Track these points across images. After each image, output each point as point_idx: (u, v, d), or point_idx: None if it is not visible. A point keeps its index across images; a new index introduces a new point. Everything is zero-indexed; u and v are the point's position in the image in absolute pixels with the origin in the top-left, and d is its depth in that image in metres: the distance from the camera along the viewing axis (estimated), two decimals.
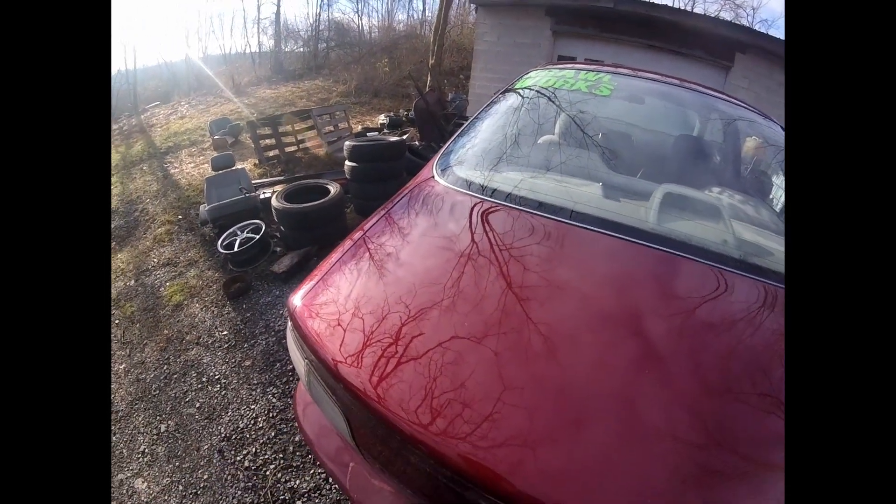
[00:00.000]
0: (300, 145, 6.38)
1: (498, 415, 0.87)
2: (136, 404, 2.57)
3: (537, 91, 2.19)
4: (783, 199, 1.87)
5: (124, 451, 2.35)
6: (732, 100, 2.33)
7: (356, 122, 8.52)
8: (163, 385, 2.62)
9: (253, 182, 4.99)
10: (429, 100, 6.23)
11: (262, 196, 4.49)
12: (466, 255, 1.28)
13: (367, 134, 7.03)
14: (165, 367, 2.73)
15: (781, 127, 2.23)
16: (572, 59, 6.81)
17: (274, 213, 3.64)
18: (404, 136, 6.40)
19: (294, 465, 2.04)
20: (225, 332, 2.88)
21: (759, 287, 1.25)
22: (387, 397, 0.95)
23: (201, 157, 6.98)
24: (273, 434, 2.19)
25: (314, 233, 3.62)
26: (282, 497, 1.93)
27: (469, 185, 1.60)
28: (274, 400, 2.35)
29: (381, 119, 8.48)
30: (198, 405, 2.42)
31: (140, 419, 2.47)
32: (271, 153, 6.12)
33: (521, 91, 2.23)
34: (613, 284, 1.23)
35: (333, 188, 3.78)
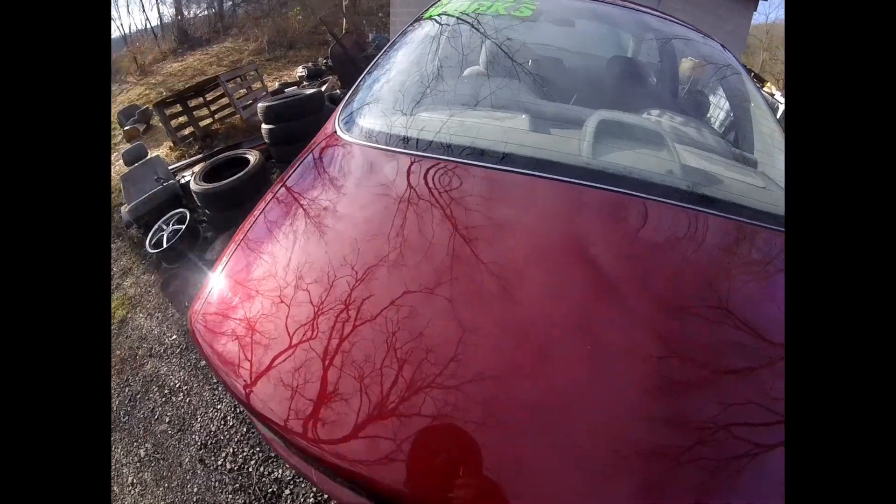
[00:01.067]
0: (215, 117, 5.94)
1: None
2: (112, 436, 2.51)
3: (452, 18, 1.95)
4: (723, 119, 1.83)
5: (115, 488, 2.31)
6: (667, 17, 2.16)
7: (273, 80, 7.94)
8: (130, 409, 2.54)
9: (171, 167, 4.69)
10: (345, 44, 5.82)
11: (182, 180, 4.22)
12: (382, 234, 1.07)
13: (286, 90, 6.57)
14: (127, 389, 2.64)
15: (721, 45, 2.12)
16: None
17: (195, 197, 3.42)
18: (324, 86, 6.01)
19: (272, 455, 2.04)
20: (174, 337, 2.78)
21: (709, 220, 1.17)
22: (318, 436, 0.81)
23: (114, 154, 6.52)
24: (245, 430, 2.16)
25: (241, 209, 3.42)
26: (270, 490, 1.94)
27: (379, 137, 1.37)
28: None
29: (300, 72, 7.92)
30: (167, 419, 2.37)
31: (119, 450, 2.42)
32: (186, 131, 5.70)
33: (434, 19, 2.00)
34: (549, 253, 1.06)
35: (252, 157, 3.55)
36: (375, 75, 1.78)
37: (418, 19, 2.07)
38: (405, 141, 1.33)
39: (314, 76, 7.29)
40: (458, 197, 1.17)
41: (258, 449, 2.07)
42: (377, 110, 1.56)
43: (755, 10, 8.27)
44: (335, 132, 1.48)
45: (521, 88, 1.71)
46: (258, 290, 1.03)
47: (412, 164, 1.26)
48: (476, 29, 1.89)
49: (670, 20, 2.16)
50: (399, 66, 1.81)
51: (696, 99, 2.04)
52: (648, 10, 2.17)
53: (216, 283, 1.09)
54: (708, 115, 1.97)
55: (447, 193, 1.18)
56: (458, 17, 1.94)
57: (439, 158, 1.26)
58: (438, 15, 2.01)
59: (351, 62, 5.83)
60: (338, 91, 5.70)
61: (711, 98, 2.05)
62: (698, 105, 2.00)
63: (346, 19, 9.18)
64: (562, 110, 1.60)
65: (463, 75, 1.78)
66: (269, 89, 6.54)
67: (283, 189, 1.32)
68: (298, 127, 3.83)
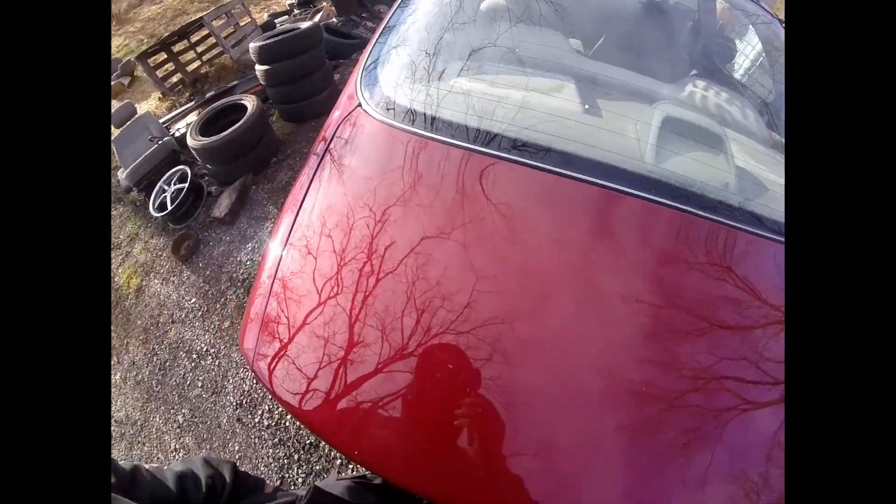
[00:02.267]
0: (203, 59, 5.71)
1: None
2: (148, 406, 2.61)
3: None
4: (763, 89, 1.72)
5: (159, 455, 2.43)
6: None
7: (261, 10, 7.54)
8: (161, 378, 2.62)
9: (163, 119, 4.58)
10: None
11: (178, 133, 4.12)
12: (426, 236, 1.09)
13: (276, 21, 6.24)
14: (155, 359, 2.71)
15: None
16: None
17: (194, 154, 3.33)
18: (318, 16, 5.66)
19: None
20: (193, 300, 2.80)
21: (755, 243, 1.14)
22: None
23: None
24: None
25: (243, 160, 3.36)
26: (308, 441, 2.01)
27: (405, 114, 1.30)
28: None
29: None
30: (200, 384, 2.43)
31: (158, 419, 2.52)
32: (174, 79, 5.51)
33: None
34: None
35: (250, 103, 3.40)
36: (397, 24, 1.64)
37: None
38: (434, 123, 1.27)
39: (305, 3, 6.90)
40: (508, 202, 1.14)
41: None
42: (400, 73, 1.44)
43: None
44: (359, 105, 1.39)
45: (561, 43, 1.63)
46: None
47: (444, 155, 1.21)
48: None
49: None
50: (423, 11, 1.65)
51: (733, 58, 1.93)
52: None
53: (269, 305, 1.11)
54: (746, 80, 1.85)
55: (493, 194, 1.14)
56: None
57: (478, 151, 1.20)
58: None
59: None
60: (334, 20, 5.38)
61: (746, 57, 1.95)
62: (736, 67, 1.91)
63: None
64: (607, 77, 1.52)
65: (494, 20, 1.64)
66: (258, 22, 6.22)
67: (312, 184, 1.27)
68: (296, 65, 3.64)
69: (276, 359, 1.04)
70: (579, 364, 0.95)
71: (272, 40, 3.58)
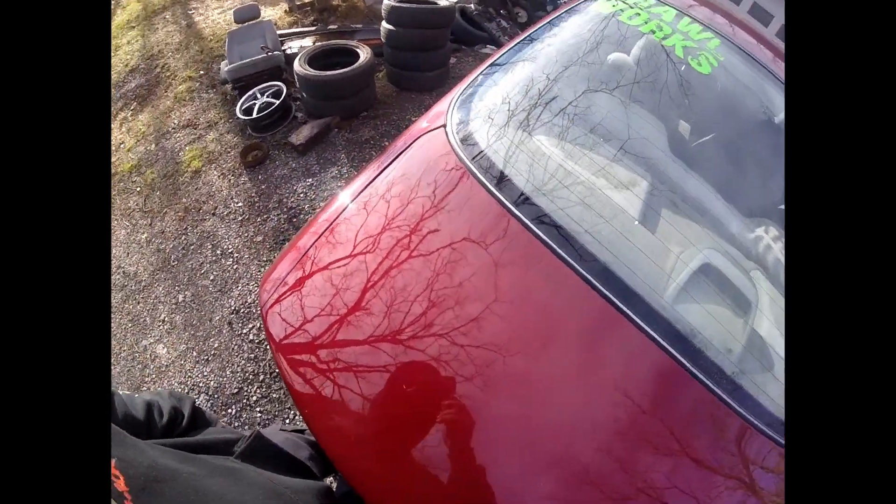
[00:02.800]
0: None
1: None
2: (157, 274, 2.84)
3: (613, 28, 1.77)
4: None
5: (147, 318, 2.66)
6: None
7: None
8: (181, 256, 2.84)
9: (280, 33, 4.82)
10: None
11: (288, 51, 4.35)
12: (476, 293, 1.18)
13: None
14: (183, 238, 2.94)
15: None
16: None
17: (296, 79, 3.54)
18: None
19: None
20: (240, 204, 3.01)
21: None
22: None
23: (230, 2, 6.77)
24: None
25: (338, 102, 3.55)
26: (277, 371, 2.17)
27: (478, 157, 1.38)
28: None
29: None
30: (211, 278, 2.63)
31: (160, 289, 2.74)
32: None
33: (590, 20, 1.81)
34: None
35: (363, 53, 3.58)
36: (509, 62, 1.68)
37: (574, 10, 1.88)
38: (497, 176, 1.34)
39: None
40: (520, 271, 1.21)
41: None
42: (491, 112, 1.50)
43: None
44: (443, 126, 1.47)
45: (656, 128, 1.64)
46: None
47: (488, 207, 1.29)
48: (636, 62, 1.76)
49: None
50: (538, 64, 1.67)
51: None
52: None
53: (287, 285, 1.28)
54: None
55: (513, 259, 1.22)
56: (625, 28, 1.78)
57: (519, 219, 1.25)
58: (600, 16, 1.82)
59: None
60: (471, 6, 5.55)
61: None
62: None
63: None
64: (683, 185, 1.53)
65: (613, 109, 1.63)
66: None
67: (380, 175, 1.42)
68: (420, 37, 3.81)
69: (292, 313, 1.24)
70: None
71: (407, 5, 3.75)
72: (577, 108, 1.56)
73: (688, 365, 1.09)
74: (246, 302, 2.46)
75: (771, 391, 1.12)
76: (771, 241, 1.50)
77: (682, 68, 1.76)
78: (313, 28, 5.01)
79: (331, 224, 1.35)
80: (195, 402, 0.97)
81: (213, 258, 2.74)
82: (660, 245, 1.31)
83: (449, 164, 1.38)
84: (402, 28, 3.78)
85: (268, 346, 2.26)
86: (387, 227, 1.29)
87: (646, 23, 1.79)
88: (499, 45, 5.40)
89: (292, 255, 1.32)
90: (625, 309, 1.13)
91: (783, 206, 1.60)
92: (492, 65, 1.70)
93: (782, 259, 1.44)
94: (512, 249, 1.22)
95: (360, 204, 1.37)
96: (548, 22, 1.85)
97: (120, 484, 0.52)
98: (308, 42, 4.61)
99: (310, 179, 3.12)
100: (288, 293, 1.26)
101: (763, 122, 1.88)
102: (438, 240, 1.25)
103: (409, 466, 1.04)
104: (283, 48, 4.37)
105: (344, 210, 1.37)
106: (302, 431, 1.25)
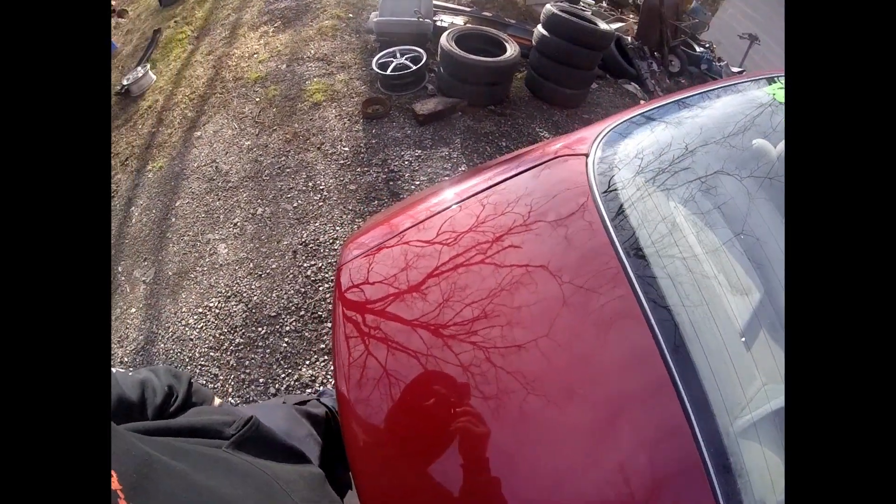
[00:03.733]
0: None
1: None
2: (246, 182, 2.92)
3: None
4: None
5: (221, 217, 2.75)
6: None
7: None
8: (274, 174, 2.92)
9: (436, 3, 4.88)
10: (665, 1, 5.42)
11: (438, 23, 4.39)
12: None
13: (580, 2, 6.39)
14: (283, 159, 3.02)
15: None
16: None
17: (438, 52, 3.55)
18: (616, 25, 5.72)
19: None
20: (346, 149, 3.06)
21: None
22: None
23: None
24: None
25: (472, 87, 3.56)
26: (319, 314, 2.21)
27: (616, 211, 1.30)
28: (357, 228, 2.50)
29: None
30: (295, 205, 2.68)
31: (244, 196, 2.82)
32: None
33: (758, 102, 1.67)
34: None
35: (511, 48, 3.57)
36: (679, 112, 1.62)
37: (746, 85, 1.76)
38: (623, 230, 1.27)
39: (614, 3, 6.99)
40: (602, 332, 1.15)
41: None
42: (640, 161, 1.44)
43: None
44: (586, 154, 1.43)
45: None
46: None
47: (603, 253, 1.23)
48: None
49: None
50: (695, 130, 1.56)
51: None
52: None
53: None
54: None
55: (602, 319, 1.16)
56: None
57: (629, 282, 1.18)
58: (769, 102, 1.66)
59: (659, 20, 5.49)
60: (629, 39, 5.43)
61: None
62: None
63: None
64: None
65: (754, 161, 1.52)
66: None
67: (513, 177, 1.41)
68: (572, 51, 3.77)
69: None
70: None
71: (567, 17, 3.71)
72: (725, 191, 1.43)
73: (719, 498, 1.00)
74: (317, 239, 2.50)
75: None
76: None
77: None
78: (468, 9, 5.03)
79: (431, 216, 1.36)
80: (191, 379, 0.97)
81: (304, 188, 2.79)
82: (750, 368, 1.18)
83: (578, 192, 1.34)
84: (556, 37, 3.75)
85: (320, 289, 2.29)
86: (497, 238, 1.29)
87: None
88: (643, 87, 5.26)
89: (384, 230, 1.36)
90: (690, 413, 1.04)
91: None
92: (647, 112, 1.63)
93: None
94: (605, 294, 1.17)
95: (473, 205, 1.37)
96: (714, 89, 1.75)
97: (114, 482, 0.51)
98: (459, 21, 4.63)
99: (419, 151, 3.13)
100: (366, 259, 1.31)
101: None
102: (548, 259, 1.23)
103: (416, 464, 1.05)
104: (434, 19, 4.41)
105: (450, 207, 1.38)
106: (305, 402, 1.27)
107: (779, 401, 1.14)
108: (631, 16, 6.29)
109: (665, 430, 1.05)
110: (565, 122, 3.99)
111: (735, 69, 7.21)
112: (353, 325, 1.22)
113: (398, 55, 3.74)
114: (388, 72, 3.56)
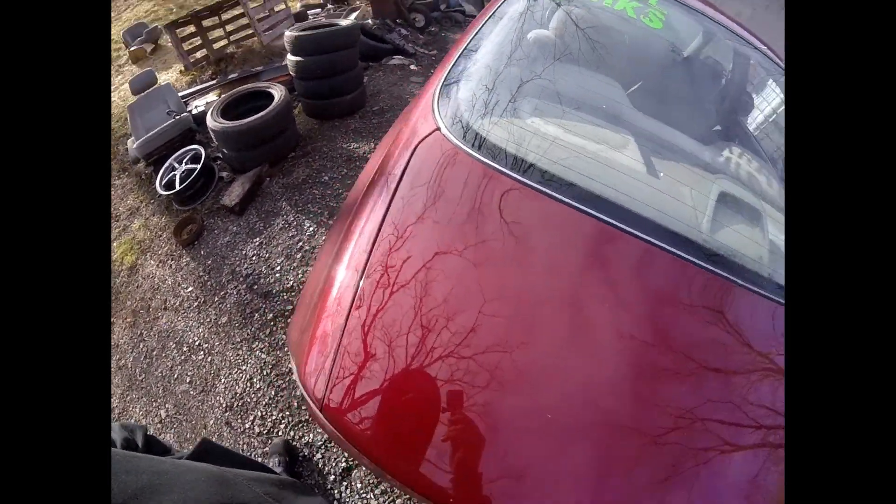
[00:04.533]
0: (230, 38, 5.69)
1: None
2: (128, 395, 2.52)
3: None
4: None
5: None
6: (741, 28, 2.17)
7: None
8: (146, 366, 2.53)
9: (182, 94, 4.52)
10: None
11: (195, 110, 4.06)
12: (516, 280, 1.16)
13: (308, 13, 6.27)
14: (142, 345, 2.62)
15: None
16: None
17: (212, 134, 3.27)
18: (353, 14, 5.69)
19: (303, 419, 2.04)
20: (190, 289, 2.73)
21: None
22: None
23: (120, 77, 6.36)
24: (273, 392, 2.13)
25: (262, 149, 3.31)
26: (302, 453, 1.95)
27: (488, 148, 1.33)
28: (264, 356, 2.26)
29: None
30: (188, 379, 2.34)
31: (138, 410, 2.42)
32: (199, 54, 5.48)
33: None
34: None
35: (277, 93, 3.36)
36: (473, 54, 1.66)
37: None
38: (516, 163, 1.31)
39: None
40: (573, 245, 1.22)
41: (287, 413, 2.07)
42: (476, 102, 1.46)
43: None
44: (437, 129, 1.39)
45: (614, 90, 1.74)
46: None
47: (520, 194, 1.26)
48: (596, 31, 1.87)
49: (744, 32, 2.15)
50: (501, 48, 1.67)
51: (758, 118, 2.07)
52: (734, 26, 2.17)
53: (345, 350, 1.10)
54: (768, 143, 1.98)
55: (565, 238, 1.22)
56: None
57: (554, 197, 1.25)
58: None
59: None
60: (369, 21, 5.40)
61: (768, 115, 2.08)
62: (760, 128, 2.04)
63: None
64: (658, 134, 1.63)
65: (581, 75, 1.74)
66: (292, 11, 6.23)
67: (391, 207, 1.26)
68: (330, 62, 3.65)
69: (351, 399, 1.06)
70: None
71: (311, 32, 3.58)
72: (558, 84, 1.60)
73: (741, 282, 1.22)
74: (236, 394, 2.18)
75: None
76: (737, 157, 1.70)
77: (640, 28, 1.92)
78: (214, 81, 4.72)
79: (360, 288, 1.16)
80: (147, 430, 0.96)
81: (182, 357, 2.43)
82: (673, 187, 1.41)
83: (460, 163, 1.31)
84: (309, 57, 3.60)
85: (280, 433, 2.04)
86: (437, 257, 1.18)
87: None
88: (405, 54, 5.29)
89: (326, 325, 1.13)
90: (677, 251, 1.22)
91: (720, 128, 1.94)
92: (455, 62, 1.64)
93: (754, 172, 1.67)
94: (550, 223, 1.22)
95: (387, 241, 1.21)
96: (500, 6, 1.87)
97: None
98: (213, 97, 4.33)
99: (257, 239, 2.87)
100: (343, 379, 1.08)
101: (702, 60, 2.15)
102: (496, 247, 1.19)
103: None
104: (188, 109, 4.08)
105: (370, 259, 1.18)
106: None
107: (714, 192, 1.43)
108: (358, 1, 6.25)
109: (659, 267, 1.21)
110: (363, 125, 3.89)
111: None
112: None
113: (177, 165, 3.39)
114: (178, 187, 3.22)
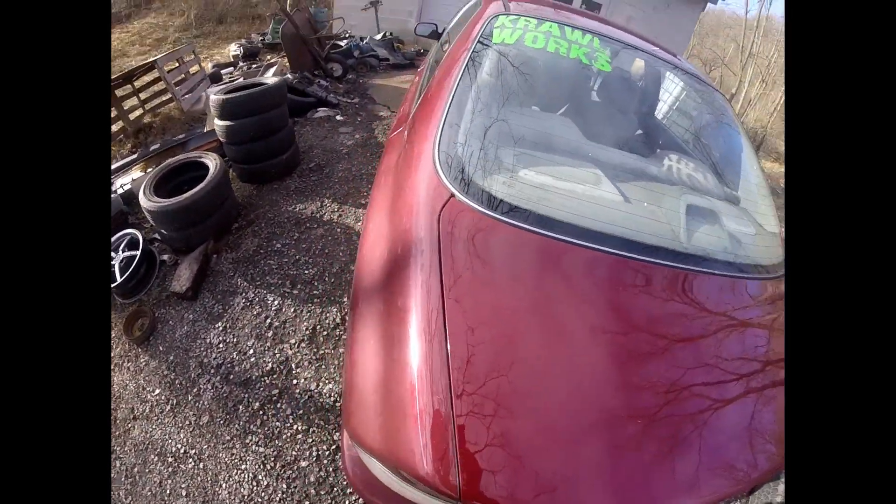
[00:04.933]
0: (146, 106, 5.39)
1: None
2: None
3: (526, 53, 2.02)
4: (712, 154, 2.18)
5: None
6: (666, 54, 2.48)
7: (204, 59, 7.38)
8: (130, 487, 2.22)
9: None
10: (297, 22, 5.48)
11: (121, 190, 3.80)
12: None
13: (222, 73, 6.12)
14: (118, 464, 2.30)
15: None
16: None
17: (147, 216, 3.07)
18: (271, 70, 5.64)
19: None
20: (157, 391, 2.50)
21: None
22: None
23: None
24: (285, 486, 2.02)
25: (204, 225, 3.15)
26: None
27: (512, 210, 1.42)
28: (261, 449, 2.14)
29: (233, 50, 7.57)
30: (184, 493, 2.11)
31: None
32: (115, 127, 5.15)
33: (501, 51, 1.97)
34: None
35: (212, 162, 3.23)
36: (454, 109, 1.72)
37: (483, 44, 1.99)
38: (537, 218, 1.41)
39: (250, 55, 6.84)
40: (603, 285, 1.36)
41: (308, 502, 1.98)
42: (478, 164, 1.54)
43: (702, 10, 10.93)
44: (452, 195, 1.42)
45: (564, 125, 1.98)
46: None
47: (545, 246, 1.36)
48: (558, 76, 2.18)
49: (670, 59, 2.45)
50: (479, 101, 1.76)
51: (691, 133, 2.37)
52: (654, 49, 2.46)
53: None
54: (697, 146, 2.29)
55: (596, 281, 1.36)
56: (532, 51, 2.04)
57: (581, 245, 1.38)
58: (507, 42, 2.00)
59: (303, 43, 5.49)
60: (289, 76, 5.34)
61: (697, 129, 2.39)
62: (693, 139, 2.32)
63: None
64: (612, 159, 1.84)
65: (563, 125, 1.99)
66: (207, 72, 6.04)
67: (447, 297, 1.20)
68: (261, 122, 3.55)
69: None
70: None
71: (239, 94, 3.46)
72: (535, 132, 1.81)
73: (726, 273, 1.52)
74: (244, 497, 2.01)
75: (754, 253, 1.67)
76: (676, 163, 1.99)
77: (596, 72, 2.23)
78: (135, 156, 4.45)
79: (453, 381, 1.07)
80: None
81: (170, 469, 2.19)
82: (654, 210, 1.62)
83: (489, 227, 1.36)
84: (239, 120, 3.47)
85: None
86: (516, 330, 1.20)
87: (546, 43, 2.01)
88: (329, 105, 5.27)
89: (435, 431, 1.01)
90: (676, 265, 1.45)
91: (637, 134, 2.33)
92: (443, 120, 1.69)
93: (692, 172, 1.96)
94: (586, 267, 1.36)
95: (464, 319, 1.16)
96: (471, 58, 1.92)
97: None
98: (138, 173, 4.08)
99: (219, 324, 2.72)
100: (473, 460, 1.00)
101: (639, 85, 2.57)
102: (554, 295, 1.28)
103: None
104: (114, 190, 3.82)
105: (451, 342, 1.11)
106: None
107: (682, 205, 1.65)
108: (269, 57, 6.17)
109: (672, 283, 1.42)
110: (304, 184, 3.85)
111: (377, 36, 7.64)
112: None
113: (113, 254, 3.13)
114: (118, 279, 2.96)
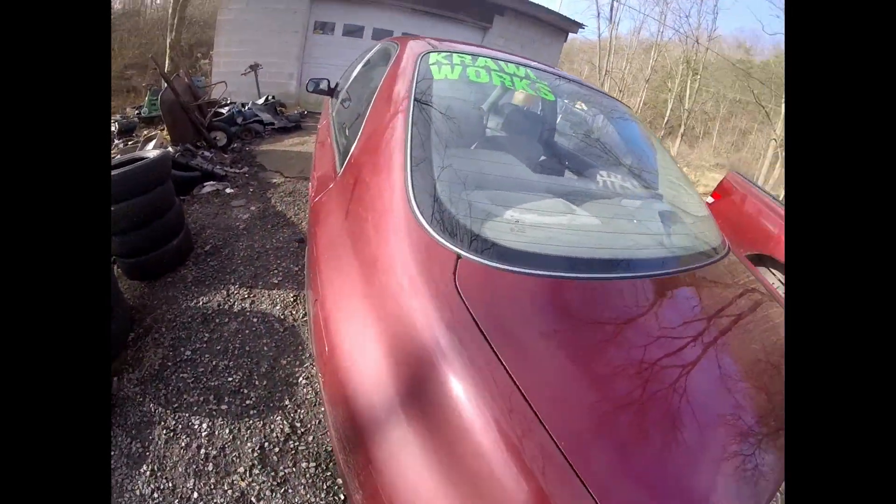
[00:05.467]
0: None
1: None
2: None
3: (470, 89, 2.06)
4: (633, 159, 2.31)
5: None
6: (585, 84, 2.65)
7: None
8: None
9: None
10: (178, 89, 4.91)
11: None
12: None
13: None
14: None
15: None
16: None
17: None
18: (150, 144, 5.04)
19: None
20: None
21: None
22: None
23: None
24: None
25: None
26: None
27: (523, 258, 1.25)
28: None
29: None
30: None
31: None
32: None
33: (450, 87, 1.91)
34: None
35: None
36: (432, 160, 1.50)
37: (427, 82, 1.83)
38: (548, 261, 1.28)
39: (126, 131, 6.13)
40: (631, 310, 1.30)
41: None
42: (474, 215, 1.35)
43: (565, 41, 13.43)
44: (458, 256, 1.17)
45: (515, 161, 1.93)
46: None
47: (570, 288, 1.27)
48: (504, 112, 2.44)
49: (588, 87, 2.66)
50: (453, 146, 1.66)
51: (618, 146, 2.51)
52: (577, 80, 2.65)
53: None
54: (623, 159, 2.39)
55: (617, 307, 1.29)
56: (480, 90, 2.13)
57: (593, 278, 1.32)
58: (451, 78, 1.91)
59: (184, 112, 4.98)
60: (170, 149, 4.77)
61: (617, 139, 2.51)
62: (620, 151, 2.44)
63: (171, 59, 8.11)
64: (563, 185, 1.91)
65: (517, 160, 1.92)
66: None
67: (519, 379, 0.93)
68: (143, 206, 2.93)
69: None
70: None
71: (115, 172, 2.82)
72: (507, 170, 1.77)
73: (706, 263, 1.62)
74: None
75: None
76: (608, 178, 1.96)
77: (540, 104, 2.42)
78: None
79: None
80: None
81: None
82: (613, 223, 1.64)
83: (509, 283, 1.17)
84: (118, 204, 2.83)
85: None
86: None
87: (490, 77, 1.96)
88: (216, 177, 4.78)
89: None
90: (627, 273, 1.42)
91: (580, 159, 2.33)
92: (410, 172, 1.46)
93: (622, 182, 1.98)
94: (616, 298, 1.31)
95: (534, 376, 0.96)
96: (416, 99, 1.70)
97: None
98: None
99: (143, 467, 2.10)
100: None
101: (578, 114, 2.73)
102: (608, 337, 1.18)
103: None
104: None
105: (539, 413, 0.88)
106: None
107: (655, 207, 1.80)
108: (146, 132, 5.53)
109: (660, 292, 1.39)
110: (202, 272, 3.36)
111: (260, 101, 7.32)
112: None
113: None
114: None
